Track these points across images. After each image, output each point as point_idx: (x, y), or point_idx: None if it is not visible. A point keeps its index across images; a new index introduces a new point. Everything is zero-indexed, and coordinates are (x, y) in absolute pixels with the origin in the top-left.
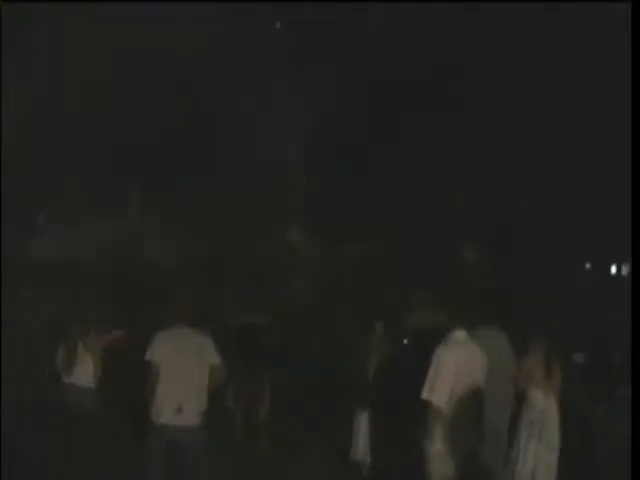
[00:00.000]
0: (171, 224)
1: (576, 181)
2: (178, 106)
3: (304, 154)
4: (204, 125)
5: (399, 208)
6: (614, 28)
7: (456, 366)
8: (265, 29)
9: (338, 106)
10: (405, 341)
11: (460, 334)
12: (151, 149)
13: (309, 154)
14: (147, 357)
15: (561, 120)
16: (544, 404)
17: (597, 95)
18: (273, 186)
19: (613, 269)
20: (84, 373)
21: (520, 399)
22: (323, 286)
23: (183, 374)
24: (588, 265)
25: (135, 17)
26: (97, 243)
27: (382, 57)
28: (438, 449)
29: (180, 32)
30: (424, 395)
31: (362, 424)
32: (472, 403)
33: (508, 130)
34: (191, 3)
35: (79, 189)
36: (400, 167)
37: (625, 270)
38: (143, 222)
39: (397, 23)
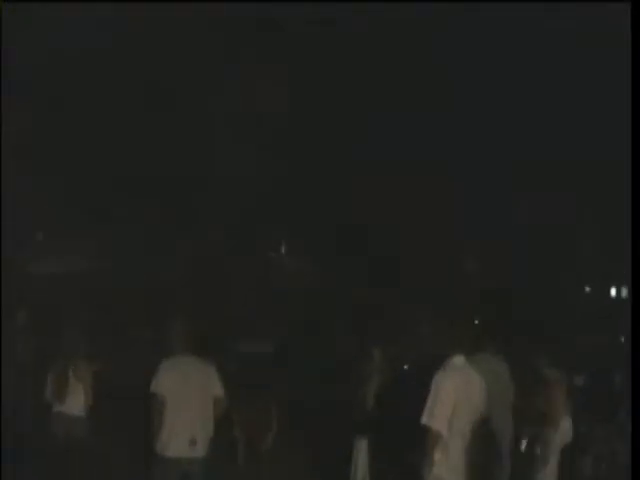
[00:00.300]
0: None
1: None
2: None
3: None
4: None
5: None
6: (614, 28)
7: (455, 391)
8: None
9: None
10: (405, 367)
11: (459, 359)
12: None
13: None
14: (152, 388)
15: (561, 122)
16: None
17: (597, 95)
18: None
19: (613, 292)
20: (75, 402)
21: (547, 425)
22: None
23: (191, 405)
24: (587, 288)
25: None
26: (90, 261)
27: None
28: (437, 475)
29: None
30: (423, 420)
31: (362, 450)
32: (474, 428)
33: (507, 133)
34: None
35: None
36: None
37: (625, 293)
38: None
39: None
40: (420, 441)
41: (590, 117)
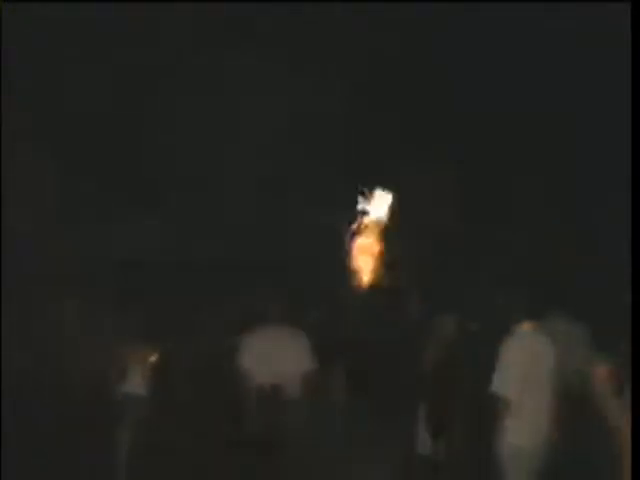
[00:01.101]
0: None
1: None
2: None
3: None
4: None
5: None
6: (614, 28)
7: (524, 358)
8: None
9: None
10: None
11: (528, 326)
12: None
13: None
14: (239, 362)
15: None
16: None
17: (597, 95)
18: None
19: None
20: (136, 382)
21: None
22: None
23: (278, 379)
24: None
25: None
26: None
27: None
28: (509, 441)
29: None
30: (493, 388)
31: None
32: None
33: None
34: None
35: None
36: None
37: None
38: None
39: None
40: (491, 409)
41: (590, 117)
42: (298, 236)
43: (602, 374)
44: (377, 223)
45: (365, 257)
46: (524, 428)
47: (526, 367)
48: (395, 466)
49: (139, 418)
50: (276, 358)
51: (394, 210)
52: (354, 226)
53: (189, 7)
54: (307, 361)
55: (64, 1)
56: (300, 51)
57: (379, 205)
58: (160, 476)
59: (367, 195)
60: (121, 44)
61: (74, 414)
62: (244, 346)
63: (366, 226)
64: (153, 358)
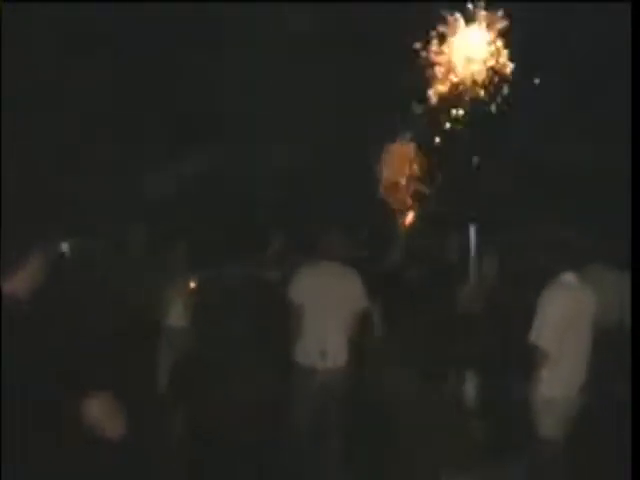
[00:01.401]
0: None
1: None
2: None
3: None
4: None
5: None
6: (614, 28)
7: (564, 309)
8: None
9: None
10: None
11: (568, 276)
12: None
13: None
14: (289, 294)
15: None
16: None
17: (597, 95)
18: None
19: None
20: (177, 315)
21: None
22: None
23: (326, 315)
24: None
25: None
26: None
27: None
28: (545, 393)
29: None
30: (532, 339)
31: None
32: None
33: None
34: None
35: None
36: None
37: None
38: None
39: None
40: (527, 360)
41: (590, 118)
42: (346, 174)
43: None
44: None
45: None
46: (559, 380)
47: (567, 319)
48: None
49: (181, 350)
50: (327, 295)
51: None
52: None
53: None
54: (359, 299)
55: (64, 1)
56: None
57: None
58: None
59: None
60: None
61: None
62: (295, 281)
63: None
64: (194, 289)
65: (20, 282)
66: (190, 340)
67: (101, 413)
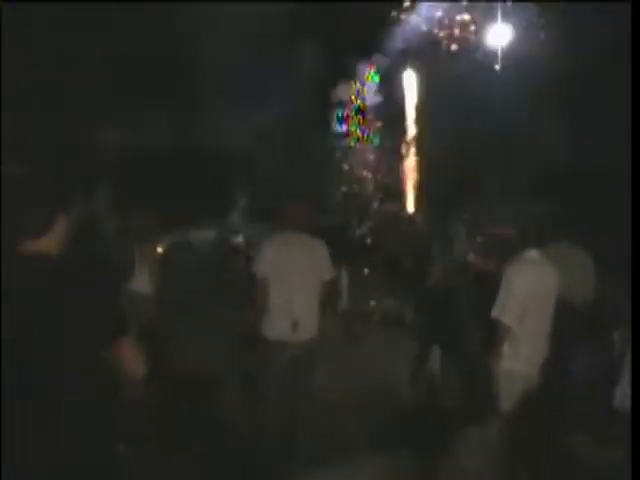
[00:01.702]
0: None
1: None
2: None
3: None
4: None
5: None
6: (614, 28)
7: (527, 285)
8: None
9: None
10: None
11: (532, 253)
12: None
13: None
14: (254, 268)
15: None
16: None
17: (596, 96)
18: None
19: None
20: (141, 281)
21: None
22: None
23: (295, 287)
24: None
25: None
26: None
27: None
28: (506, 367)
29: None
30: (494, 314)
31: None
32: (544, 324)
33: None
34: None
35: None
36: None
37: None
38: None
39: None
40: (489, 334)
41: (590, 118)
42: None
43: None
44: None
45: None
46: (521, 355)
47: (530, 295)
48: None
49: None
50: (294, 266)
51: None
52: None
53: None
54: (327, 269)
55: (64, 1)
56: None
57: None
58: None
59: None
60: None
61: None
62: (259, 253)
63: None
64: (159, 254)
65: (47, 242)
66: (153, 307)
67: (128, 354)
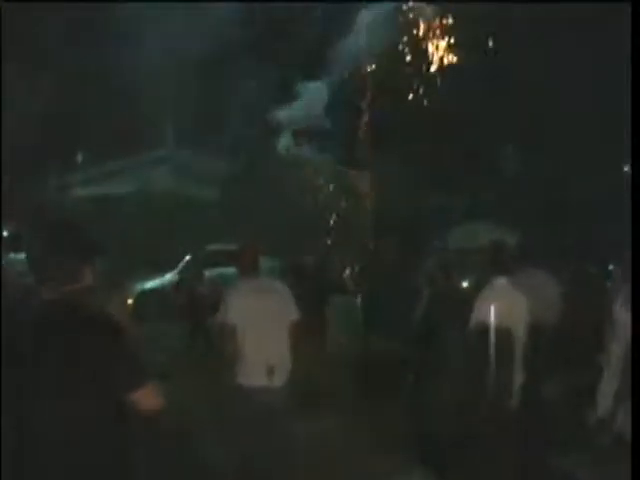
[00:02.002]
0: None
1: None
2: None
3: None
4: None
5: None
6: (614, 28)
7: (497, 312)
8: None
9: None
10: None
11: (500, 281)
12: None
13: None
14: (220, 318)
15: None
16: None
17: (596, 96)
18: None
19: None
20: None
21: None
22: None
23: (267, 332)
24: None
25: None
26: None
27: None
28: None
29: None
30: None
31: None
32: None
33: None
34: None
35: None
36: None
37: None
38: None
39: None
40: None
41: (589, 118)
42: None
43: None
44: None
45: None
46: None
47: (498, 320)
48: None
49: None
50: (262, 311)
51: None
52: None
53: None
54: (293, 310)
55: (64, 1)
56: None
57: None
58: None
59: None
60: None
61: None
62: (226, 303)
63: None
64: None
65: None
66: None
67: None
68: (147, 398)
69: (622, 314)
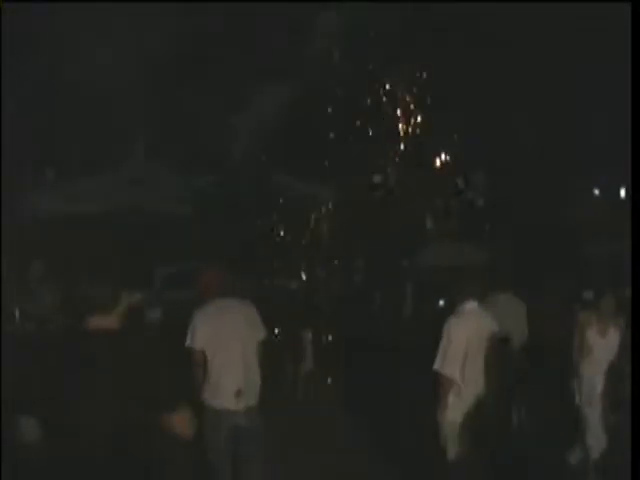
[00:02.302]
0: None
1: None
2: None
3: None
4: None
5: None
6: (614, 28)
7: (467, 337)
8: None
9: None
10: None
11: (471, 304)
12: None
13: None
14: (188, 343)
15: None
16: None
17: (596, 96)
18: None
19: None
20: None
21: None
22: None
23: (234, 354)
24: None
25: None
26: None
27: None
28: (451, 419)
29: None
30: (436, 366)
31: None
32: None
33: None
34: None
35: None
36: None
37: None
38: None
39: None
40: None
41: (589, 118)
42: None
43: None
44: None
45: None
46: (462, 405)
47: (469, 344)
48: None
49: None
50: (229, 332)
51: None
52: None
53: None
54: (260, 330)
55: (64, 1)
56: None
57: None
58: None
59: None
60: None
61: None
62: (194, 326)
63: None
64: None
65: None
66: None
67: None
68: (181, 424)
69: (597, 340)
